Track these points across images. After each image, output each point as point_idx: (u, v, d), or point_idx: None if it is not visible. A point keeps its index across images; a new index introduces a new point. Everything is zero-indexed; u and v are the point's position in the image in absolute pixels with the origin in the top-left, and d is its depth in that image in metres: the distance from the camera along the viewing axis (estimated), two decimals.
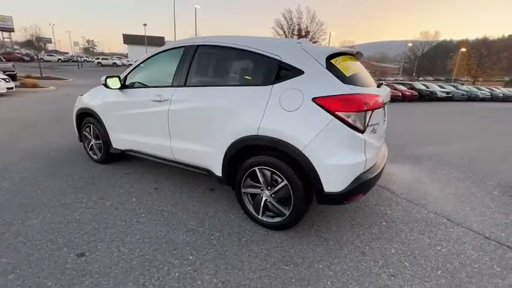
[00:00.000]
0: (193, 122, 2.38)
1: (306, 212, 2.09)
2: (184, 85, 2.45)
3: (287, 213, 2.06)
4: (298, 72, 1.93)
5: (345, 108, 1.75)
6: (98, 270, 1.69)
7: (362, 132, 1.82)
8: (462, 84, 28.05)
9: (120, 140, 3.12)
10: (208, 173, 2.47)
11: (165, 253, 1.88)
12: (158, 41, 44.78)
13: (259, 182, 2.15)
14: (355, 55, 2.28)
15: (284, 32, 39.73)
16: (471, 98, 22.19)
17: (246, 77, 2.26)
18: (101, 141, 3.34)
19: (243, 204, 2.29)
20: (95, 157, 3.51)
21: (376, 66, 63.48)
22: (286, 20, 39.26)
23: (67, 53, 63.02)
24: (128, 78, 2.97)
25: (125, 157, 3.45)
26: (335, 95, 1.77)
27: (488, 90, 25.29)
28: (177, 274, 1.69)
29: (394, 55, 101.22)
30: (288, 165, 1.95)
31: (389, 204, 2.72)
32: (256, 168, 2.11)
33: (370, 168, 2.00)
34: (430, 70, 69.02)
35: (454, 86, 23.60)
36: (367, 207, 2.62)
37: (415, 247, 2.05)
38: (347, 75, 1.91)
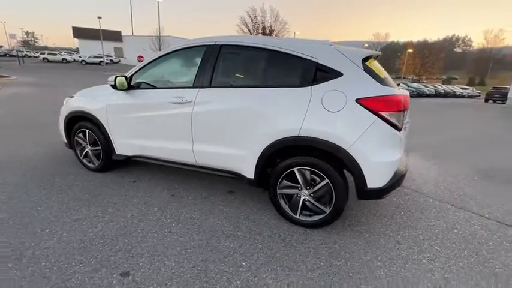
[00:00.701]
0: (222, 124, 2.31)
1: (344, 208, 2.18)
2: (209, 86, 2.36)
3: (327, 210, 2.12)
4: (336, 74, 2.00)
5: (388, 109, 1.87)
6: None
7: (399, 130, 1.96)
8: (423, 83, 31.42)
9: (126, 146, 2.87)
10: (237, 176, 2.43)
11: (216, 262, 1.81)
12: (114, 35, 41.56)
13: (296, 182, 2.18)
14: (376, 57, 2.42)
15: (249, 30, 39.86)
16: (419, 94, 24.86)
17: (280, 78, 2.24)
18: (99, 148, 3.04)
19: (278, 205, 2.29)
20: (91, 165, 3.18)
21: None
22: (250, 18, 39.42)
23: (1, 47, 54.85)
24: (133, 78, 2.74)
25: (123, 164, 3.21)
26: (378, 96, 1.88)
27: (433, 87, 28.56)
28: (238, 282, 1.65)
29: None
30: (329, 164, 2.02)
31: (399, 195, 2.96)
32: (295, 169, 2.13)
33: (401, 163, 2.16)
34: None
35: (405, 84, 26.18)
36: (383, 199, 2.81)
37: (437, 232, 2.28)
38: (382, 77, 2.03)
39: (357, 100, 1.89)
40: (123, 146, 2.89)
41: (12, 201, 2.45)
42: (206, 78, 2.37)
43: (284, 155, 2.20)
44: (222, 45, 2.36)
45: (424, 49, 57.85)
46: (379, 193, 1.99)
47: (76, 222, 2.18)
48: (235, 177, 2.46)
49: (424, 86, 28.54)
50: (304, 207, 2.21)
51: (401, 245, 2.09)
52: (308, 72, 2.06)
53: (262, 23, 39.95)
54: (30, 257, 1.77)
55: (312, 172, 2.09)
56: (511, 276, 1.80)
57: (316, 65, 2.04)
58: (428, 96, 25.85)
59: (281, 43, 2.19)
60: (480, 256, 2.00)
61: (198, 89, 2.38)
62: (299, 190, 2.19)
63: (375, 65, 2.12)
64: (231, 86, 2.35)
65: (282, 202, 2.28)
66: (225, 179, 3.06)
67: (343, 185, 2.02)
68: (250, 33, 39.62)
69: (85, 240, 1.97)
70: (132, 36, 44.52)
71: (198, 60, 2.49)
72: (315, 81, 2.03)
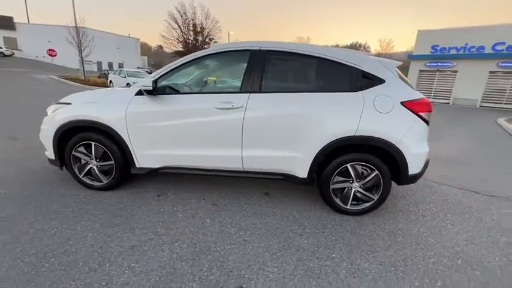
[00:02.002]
0: (278, 129, 2.36)
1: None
2: (259, 91, 2.37)
3: (375, 198, 2.46)
4: (380, 80, 2.34)
5: (424, 109, 2.32)
6: None
7: (428, 126, 2.44)
8: None
9: (153, 157, 2.57)
10: (285, 177, 2.52)
11: (311, 259, 1.91)
12: (3, 22, 33.17)
13: (347, 177, 2.44)
14: None
15: (179, 26, 38.06)
16: None
17: (330, 84, 2.42)
18: (111, 162, 2.62)
19: (330, 199, 2.50)
20: (96, 184, 2.70)
21: None
22: (180, 14, 37.60)
23: None
24: (158, 82, 2.48)
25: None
26: (417, 99, 2.31)
27: None
28: (344, 272, 1.81)
29: None
30: (379, 158, 2.36)
31: None
32: (348, 165, 2.39)
33: None
34: None
35: None
36: None
37: (440, 203, 2.92)
38: (410, 83, 2.47)
39: (402, 103, 2.28)
40: (148, 158, 2.58)
41: (24, 239, 1.92)
42: (255, 83, 2.37)
43: (342, 153, 2.40)
44: (268, 51, 2.41)
45: None
46: (416, 178, 2.44)
47: (135, 249, 1.90)
48: (281, 179, 2.55)
49: None
50: (355, 198, 2.49)
51: (426, 218, 2.61)
52: (356, 79, 2.34)
53: (192, 19, 38.68)
54: None
55: (363, 166, 2.39)
56: (500, 226, 2.51)
57: (363, 73, 2.34)
58: None
59: (328, 52, 2.39)
60: (475, 217, 2.69)
61: (248, 94, 2.36)
62: (350, 183, 2.46)
63: (400, 73, 2.56)
64: (284, 91, 2.42)
65: (333, 196, 2.51)
66: (253, 182, 3.10)
67: (389, 175, 2.39)
68: (181, 30, 38.09)
69: (165, 266, 1.76)
70: (31, 25, 36.31)
71: (240, 65, 2.47)
72: (363, 87, 2.33)
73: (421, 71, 23.13)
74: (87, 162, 2.66)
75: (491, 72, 20.29)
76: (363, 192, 2.46)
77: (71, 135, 2.61)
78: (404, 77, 2.52)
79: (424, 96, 2.40)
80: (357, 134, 2.28)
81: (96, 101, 2.60)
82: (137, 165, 2.62)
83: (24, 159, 3.49)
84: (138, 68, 38.06)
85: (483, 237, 2.32)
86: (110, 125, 2.49)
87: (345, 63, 2.35)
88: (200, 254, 1.90)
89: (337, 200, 2.51)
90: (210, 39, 40.28)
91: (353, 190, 2.47)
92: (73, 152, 2.63)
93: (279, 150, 2.42)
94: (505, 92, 20.30)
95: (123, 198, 2.62)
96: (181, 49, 38.82)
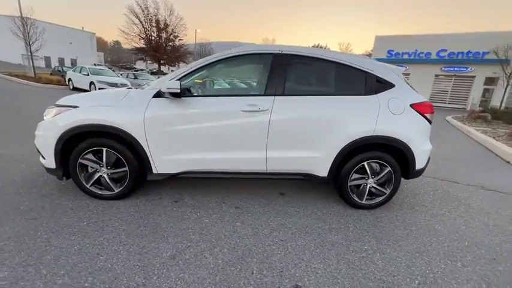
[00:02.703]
0: (301, 130, 2.44)
1: None
2: (283, 94, 2.43)
3: (387, 192, 2.68)
4: (390, 85, 2.56)
5: (428, 111, 2.60)
6: None
7: (430, 125, 2.74)
8: None
9: (172, 162, 2.46)
10: (306, 177, 2.62)
11: (348, 253, 2.03)
12: None
13: (363, 174, 2.62)
14: None
15: (141, 22, 35.98)
16: None
17: (348, 87, 2.56)
18: (125, 169, 2.45)
19: (347, 195, 2.66)
20: (106, 193, 2.51)
21: None
22: (141, 9, 35.53)
23: None
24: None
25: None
26: (423, 102, 2.57)
27: None
28: (380, 261, 1.96)
29: None
30: (391, 155, 2.58)
31: None
32: (365, 163, 2.57)
33: None
34: None
35: None
36: None
37: (432, 194, 3.29)
38: (413, 87, 2.75)
39: (411, 105, 2.52)
40: (168, 163, 2.46)
41: (47, 259, 1.72)
42: (279, 86, 2.42)
43: (359, 152, 2.54)
44: (291, 55, 2.47)
45: None
46: (420, 172, 2.72)
47: (176, 259, 1.82)
48: (301, 178, 2.65)
49: None
50: (370, 193, 2.68)
51: (427, 207, 2.92)
52: (371, 83, 2.52)
53: (155, 15, 36.85)
54: None
55: (377, 163, 2.59)
56: (485, 211, 2.92)
57: (377, 78, 2.54)
58: None
59: (346, 57, 2.54)
60: (464, 204, 3.08)
61: (273, 97, 2.40)
62: (366, 180, 2.65)
63: (405, 79, 2.82)
64: (306, 94, 2.51)
65: (350, 192, 2.67)
66: (267, 183, 3.15)
67: (399, 170, 2.63)
68: (143, 26, 36.10)
69: (215, 273, 1.73)
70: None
71: (261, 68, 2.50)
72: (377, 90, 2.53)
73: None
74: (96, 170, 2.45)
75: (436, 75, 22.97)
76: (376, 187, 2.67)
77: (77, 141, 2.37)
78: (408, 82, 2.79)
79: (427, 100, 2.69)
80: (374, 134, 2.47)
81: (107, 104, 2.39)
82: (154, 171, 2.49)
83: (4, 168, 3.07)
84: (95, 64, 35.06)
85: (476, 221, 2.68)
86: (125, 129, 2.32)
87: (362, 68, 2.52)
88: (244, 257, 1.90)
89: (354, 196, 2.68)
90: (175, 37, 38.88)
91: (368, 186, 2.66)
92: (79, 160, 2.40)
93: (302, 150, 2.51)
94: (447, 93, 23.16)
95: (139, 207, 2.47)
96: (143, 45, 36.89)
